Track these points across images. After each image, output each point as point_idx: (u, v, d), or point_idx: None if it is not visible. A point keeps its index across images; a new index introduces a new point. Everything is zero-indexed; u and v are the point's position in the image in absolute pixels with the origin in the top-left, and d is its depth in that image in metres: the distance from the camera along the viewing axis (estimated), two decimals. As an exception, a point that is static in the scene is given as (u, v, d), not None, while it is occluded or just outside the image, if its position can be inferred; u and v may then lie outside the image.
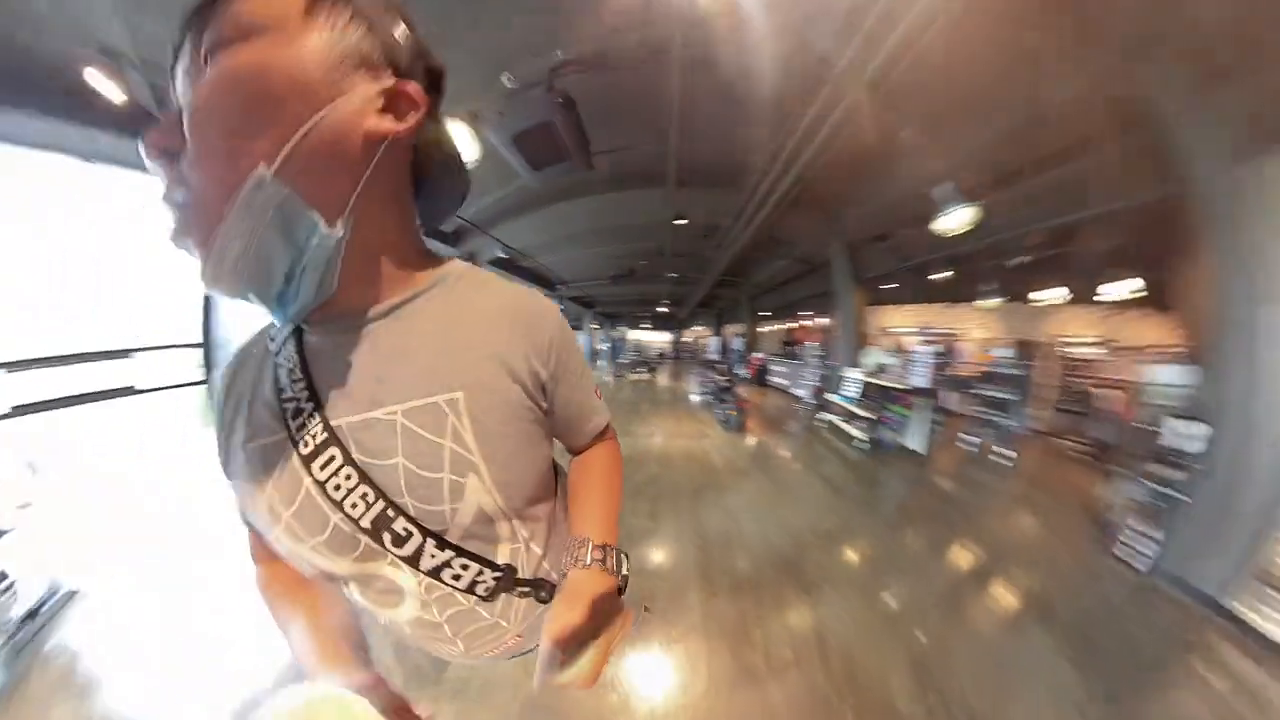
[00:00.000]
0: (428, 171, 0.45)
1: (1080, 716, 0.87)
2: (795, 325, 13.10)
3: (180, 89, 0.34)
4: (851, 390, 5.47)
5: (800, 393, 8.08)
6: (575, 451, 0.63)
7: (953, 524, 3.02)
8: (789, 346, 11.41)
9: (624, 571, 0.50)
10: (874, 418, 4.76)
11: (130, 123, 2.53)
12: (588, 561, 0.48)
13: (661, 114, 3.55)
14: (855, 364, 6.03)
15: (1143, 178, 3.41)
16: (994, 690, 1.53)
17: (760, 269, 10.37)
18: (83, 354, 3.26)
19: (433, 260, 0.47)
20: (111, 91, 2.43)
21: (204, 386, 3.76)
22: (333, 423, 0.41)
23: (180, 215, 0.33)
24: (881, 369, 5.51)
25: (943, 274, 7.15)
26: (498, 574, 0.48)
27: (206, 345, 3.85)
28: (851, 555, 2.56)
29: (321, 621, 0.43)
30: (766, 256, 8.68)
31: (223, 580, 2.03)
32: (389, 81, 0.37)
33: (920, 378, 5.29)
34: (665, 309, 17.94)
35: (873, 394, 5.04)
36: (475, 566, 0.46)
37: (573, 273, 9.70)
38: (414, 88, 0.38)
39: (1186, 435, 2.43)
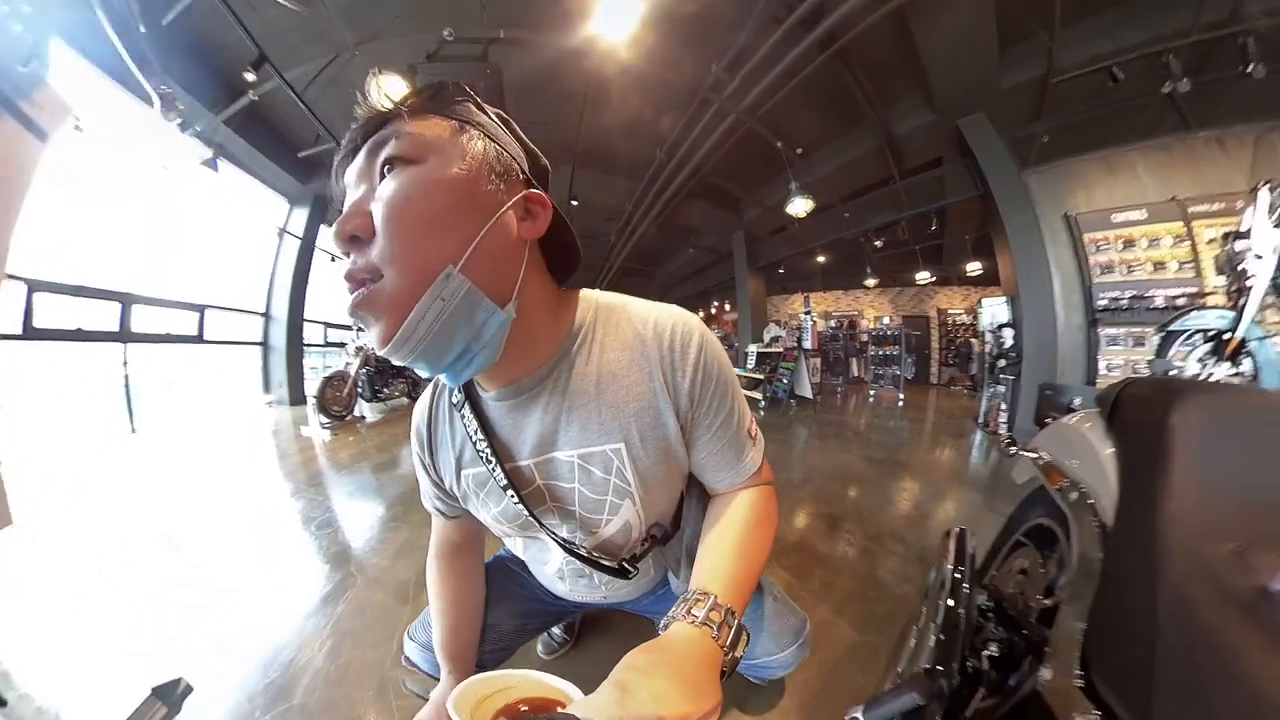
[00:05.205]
0: (552, 245, 0.56)
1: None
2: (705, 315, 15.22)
3: (350, 180, 0.47)
4: (751, 362, 6.89)
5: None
6: (719, 492, 0.66)
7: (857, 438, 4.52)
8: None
9: (737, 652, 0.47)
10: (762, 378, 6.21)
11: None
12: (700, 619, 0.46)
13: (573, 100, 4.57)
14: (760, 340, 7.51)
15: (963, 183, 5.32)
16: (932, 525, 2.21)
17: (670, 258, 11.93)
18: (164, 300, 4.76)
19: (567, 301, 0.59)
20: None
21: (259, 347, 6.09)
22: (519, 463, 0.60)
23: (370, 299, 0.43)
24: (775, 339, 7.02)
25: (829, 264, 9.28)
26: (612, 570, 0.66)
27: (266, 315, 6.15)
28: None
29: (450, 620, 0.75)
30: (674, 245, 10.12)
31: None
32: (523, 190, 0.50)
33: (806, 340, 6.99)
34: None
35: (766, 360, 6.50)
36: (598, 565, 0.65)
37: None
38: (540, 196, 0.51)
39: (1008, 336, 4.92)
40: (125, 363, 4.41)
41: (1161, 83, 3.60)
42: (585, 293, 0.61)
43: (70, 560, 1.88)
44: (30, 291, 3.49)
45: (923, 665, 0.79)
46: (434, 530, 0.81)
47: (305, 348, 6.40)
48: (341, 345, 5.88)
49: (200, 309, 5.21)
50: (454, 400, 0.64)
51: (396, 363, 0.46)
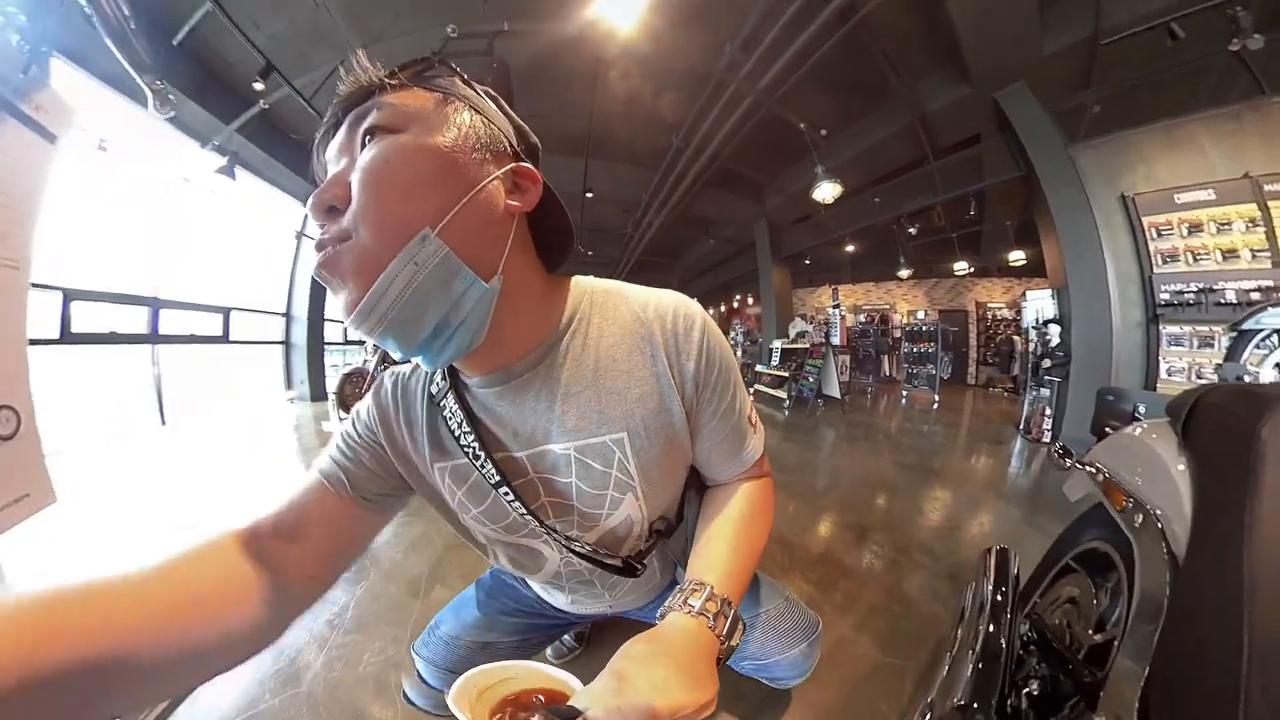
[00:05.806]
0: (543, 225, 0.55)
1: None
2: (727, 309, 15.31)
3: (331, 156, 0.47)
4: (775, 359, 6.75)
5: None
6: (719, 483, 0.65)
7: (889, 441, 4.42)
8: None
9: (733, 641, 0.49)
10: (787, 376, 6.08)
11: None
12: (696, 609, 0.47)
13: (583, 89, 4.53)
14: (784, 336, 7.35)
15: (1003, 163, 5.09)
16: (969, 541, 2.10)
17: (689, 250, 11.80)
18: (190, 303, 5.12)
19: (558, 287, 0.57)
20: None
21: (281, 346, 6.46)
22: (512, 455, 0.56)
23: (335, 259, 0.41)
24: (801, 335, 6.85)
25: (859, 253, 9.01)
26: (617, 569, 0.62)
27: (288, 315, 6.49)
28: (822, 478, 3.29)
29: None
30: (694, 236, 10.00)
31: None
32: (511, 164, 0.49)
33: (834, 336, 6.78)
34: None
35: (791, 356, 6.35)
36: (601, 563, 0.61)
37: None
38: (529, 169, 0.50)
39: (1054, 334, 4.65)
40: (156, 362, 4.80)
41: (1229, 40, 3.23)
42: (577, 279, 0.60)
43: (103, 539, 2.06)
44: (66, 300, 3.70)
45: (957, 700, 0.72)
46: (281, 500, 0.55)
47: (325, 346, 6.66)
48: (361, 343, 6.05)
49: (225, 311, 5.49)
50: (434, 390, 0.58)
51: (365, 337, 0.43)
